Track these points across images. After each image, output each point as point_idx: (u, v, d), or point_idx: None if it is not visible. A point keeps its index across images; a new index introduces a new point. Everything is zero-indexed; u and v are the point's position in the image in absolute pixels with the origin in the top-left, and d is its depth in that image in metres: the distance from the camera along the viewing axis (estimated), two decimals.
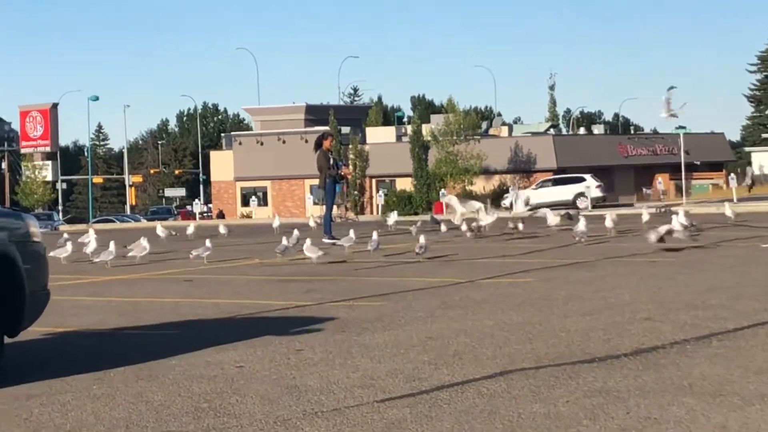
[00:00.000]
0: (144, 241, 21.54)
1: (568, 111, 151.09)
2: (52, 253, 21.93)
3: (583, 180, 69.55)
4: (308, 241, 20.24)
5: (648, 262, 17.19)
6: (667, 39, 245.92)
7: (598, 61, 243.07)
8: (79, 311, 13.44)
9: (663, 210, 41.62)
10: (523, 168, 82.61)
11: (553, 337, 9.70)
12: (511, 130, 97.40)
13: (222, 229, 32.34)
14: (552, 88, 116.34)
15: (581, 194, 66.53)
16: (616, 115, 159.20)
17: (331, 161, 26.74)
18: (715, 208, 36.15)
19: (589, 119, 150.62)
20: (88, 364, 9.16)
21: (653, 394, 7.20)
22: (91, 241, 22.89)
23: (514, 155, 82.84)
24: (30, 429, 6.89)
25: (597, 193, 67.71)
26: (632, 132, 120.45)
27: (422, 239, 19.87)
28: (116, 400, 7.68)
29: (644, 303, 11.93)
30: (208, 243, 21.03)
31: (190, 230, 31.48)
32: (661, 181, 78.68)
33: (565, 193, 66.80)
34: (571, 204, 61.97)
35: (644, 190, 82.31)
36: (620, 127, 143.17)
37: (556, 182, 70.70)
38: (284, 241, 21.42)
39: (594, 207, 59.32)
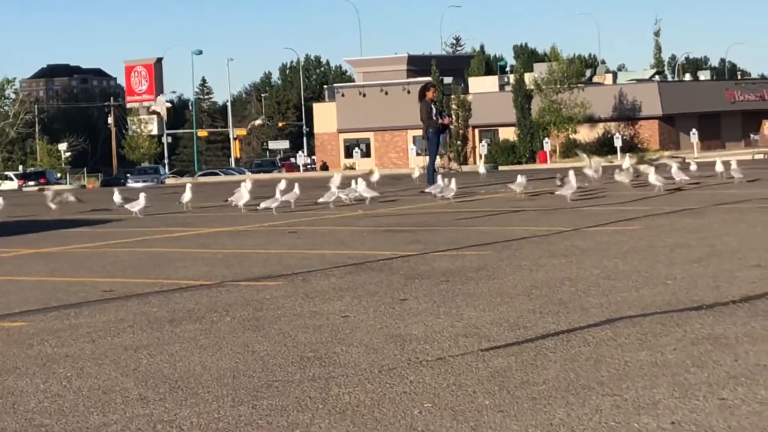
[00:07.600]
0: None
1: (673, 57, 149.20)
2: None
3: None
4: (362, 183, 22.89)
5: (756, 209, 16.91)
6: None
7: (704, 6, 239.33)
8: (186, 263, 13.59)
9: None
10: (627, 115, 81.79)
11: (660, 285, 9.60)
12: (615, 77, 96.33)
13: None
14: (657, 34, 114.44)
15: None
16: (723, 61, 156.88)
17: (434, 112, 26.86)
18: None
19: (695, 65, 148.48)
20: (195, 315, 9.28)
21: (762, 341, 7.09)
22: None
23: (619, 103, 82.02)
24: (139, 378, 6.99)
25: None
26: (739, 77, 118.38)
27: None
28: (223, 350, 7.76)
29: (753, 250, 11.74)
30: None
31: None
32: None
33: None
34: None
35: (752, 135, 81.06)
36: (727, 72, 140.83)
37: None
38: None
39: None
